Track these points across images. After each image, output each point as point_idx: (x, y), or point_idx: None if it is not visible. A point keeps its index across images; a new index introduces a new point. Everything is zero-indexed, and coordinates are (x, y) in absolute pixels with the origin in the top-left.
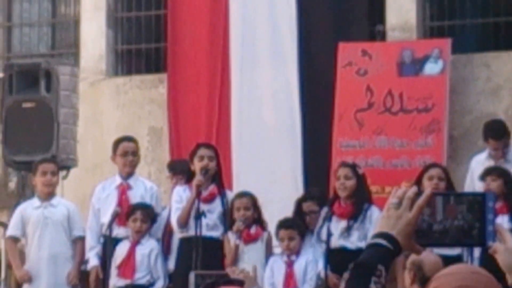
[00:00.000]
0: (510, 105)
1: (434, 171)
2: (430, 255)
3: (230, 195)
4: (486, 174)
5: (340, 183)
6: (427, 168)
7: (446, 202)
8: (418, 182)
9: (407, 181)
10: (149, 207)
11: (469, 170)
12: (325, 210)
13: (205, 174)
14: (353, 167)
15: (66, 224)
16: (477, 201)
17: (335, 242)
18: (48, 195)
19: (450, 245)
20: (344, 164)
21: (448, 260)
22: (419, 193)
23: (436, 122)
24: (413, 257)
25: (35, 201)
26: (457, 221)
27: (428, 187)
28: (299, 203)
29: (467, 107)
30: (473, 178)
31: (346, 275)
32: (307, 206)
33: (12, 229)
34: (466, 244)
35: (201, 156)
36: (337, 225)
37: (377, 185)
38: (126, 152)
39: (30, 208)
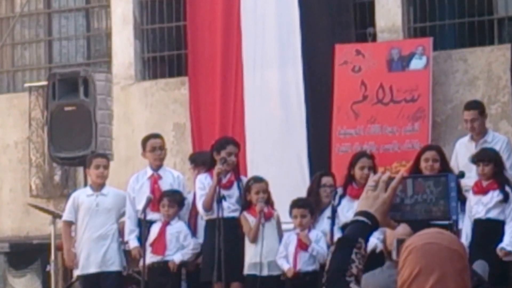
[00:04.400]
0: (485, 93)
1: (429, 154)
2: (399, 229)
3: (245, 180)
4: (479, 160)
5: (365, 173)
6: (423, 150)
7: (415, 180)
8: (416, 163)
9: (398, 162)
10: (175, 193)
11: (454, 151)
12: (340, 190)
13: (223, 163)
14: (373, 157)
15: (114, 211)
16: (441, 181)
17: (346, 219)
18: (100, 186)
19: (420, 221)
20: (367, 156)
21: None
22: (392, 177)
23: (422, 111)
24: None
25: (88, 190)
26: (425, 195)
27: (424, 168)
28: (320, 176)
29: (448, 97)
30: (457, 158)
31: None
32: (326, 180)
33: (66, 214)
34: (434, 218)
35: (229, 152)
36: (351, 204)
37: None
38: (154, 148)
39: (83, 195)
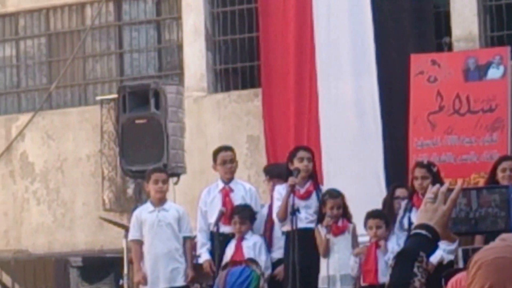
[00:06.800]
0: None
1: (506, 164)
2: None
3: (324, 190)
4: None
5: (418, 183)
6: (500, 160)
7: (480, 193)
8: (493, 173)
9: (476, 173)
10: (246, 208)
11: None
12: (405, 202)
13: (297, 175)
14: (428, 166)
15: (176, 226)
16: (502, 192)
17: None
18: (160, 201)
19: (483, 232)
20: (420, 165)
21: None
22: (451, 189)
23: (500, 121)
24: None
25: (149, 206)
26: (491, 209)
27: (501, 178)
28: (394, 188)
29: None
30: None
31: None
32: (401, 192)
33: (133, 233)
34: (496, 231)
35: (301, 157)
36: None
37: (450, 178)
38: (225, 161)
39: (145, 212)
